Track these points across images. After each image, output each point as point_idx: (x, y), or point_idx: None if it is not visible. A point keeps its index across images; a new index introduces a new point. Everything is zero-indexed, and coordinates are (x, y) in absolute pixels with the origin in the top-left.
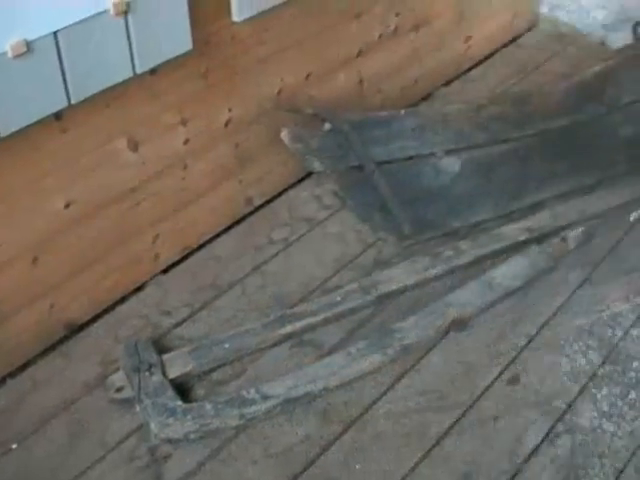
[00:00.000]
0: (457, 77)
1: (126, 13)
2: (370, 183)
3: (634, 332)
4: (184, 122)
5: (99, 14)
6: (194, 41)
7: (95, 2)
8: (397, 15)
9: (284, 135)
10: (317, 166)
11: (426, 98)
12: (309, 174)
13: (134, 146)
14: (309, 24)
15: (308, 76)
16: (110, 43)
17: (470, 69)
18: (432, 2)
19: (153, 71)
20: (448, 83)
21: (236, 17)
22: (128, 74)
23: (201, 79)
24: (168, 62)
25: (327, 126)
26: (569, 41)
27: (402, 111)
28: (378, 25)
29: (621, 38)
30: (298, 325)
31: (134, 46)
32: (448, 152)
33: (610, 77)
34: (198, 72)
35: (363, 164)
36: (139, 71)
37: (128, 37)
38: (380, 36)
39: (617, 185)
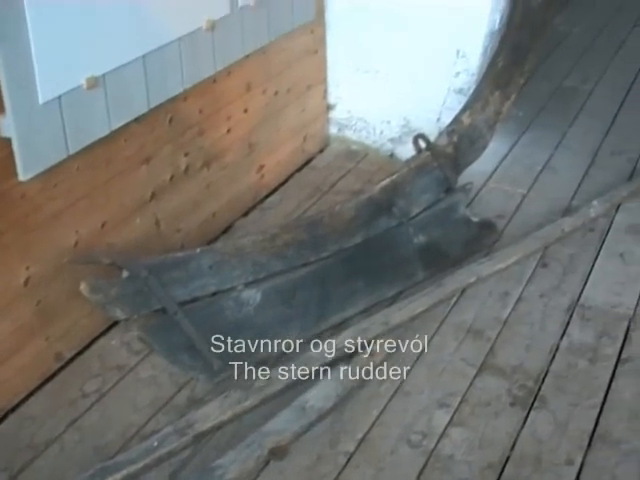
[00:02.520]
0: (254, 206)
1: None
2: (174, 325)
3: (450, 434)
4: None
5: None
6: None
7: None
8: (186, 155)
9: (83, 288)
10: (119, 314)
11: (226, 231)
12: (117, 322)
13: None
14: (98, 174)
15: (104, 225)
16: None
17: (267, 197)
18: (220, 138)
19: None
20: (246, 213)
21: (22, 177)
22: None
23: None
24: None
25: (125, 273)
26: (360, 158)
27: (198, 249)
28: (168, 167)
29: (408, 150)
30: (119, 476)
31: None
32: (248, 284)
33: (398, 189)
34: None
35: (165, 307)
36: None
37: None
38: (172, 177)
39: (417, 293)
